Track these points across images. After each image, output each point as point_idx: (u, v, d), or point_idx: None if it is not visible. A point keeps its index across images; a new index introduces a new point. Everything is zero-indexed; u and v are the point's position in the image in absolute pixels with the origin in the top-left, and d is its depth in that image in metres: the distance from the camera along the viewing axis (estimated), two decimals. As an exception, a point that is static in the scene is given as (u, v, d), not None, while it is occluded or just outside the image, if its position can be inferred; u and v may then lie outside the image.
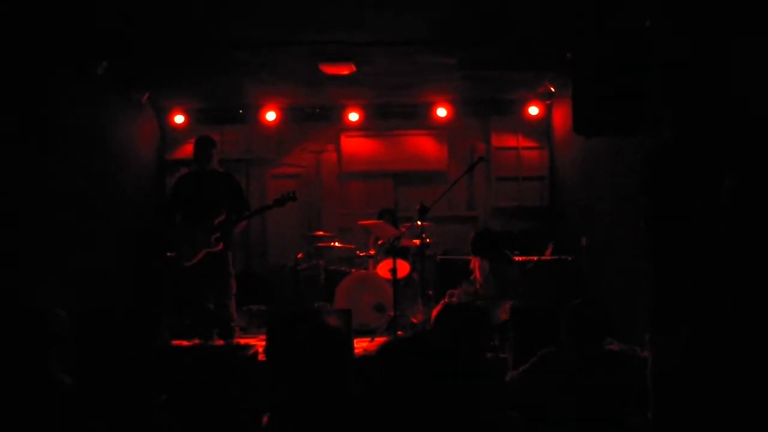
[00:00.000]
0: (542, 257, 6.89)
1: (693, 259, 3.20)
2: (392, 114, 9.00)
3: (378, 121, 9.02)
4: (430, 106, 8.76)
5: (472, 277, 6.30)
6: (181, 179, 6.50)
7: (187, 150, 7.22)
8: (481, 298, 6.02)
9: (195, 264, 6.04)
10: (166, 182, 8.75)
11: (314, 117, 9.06)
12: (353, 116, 8.85)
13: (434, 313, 5.57)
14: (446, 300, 6.07)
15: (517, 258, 6.66)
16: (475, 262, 6.28)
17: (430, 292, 7.43)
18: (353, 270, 7.59)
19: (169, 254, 6.21)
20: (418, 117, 8.96)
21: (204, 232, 6.04)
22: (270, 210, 6.56)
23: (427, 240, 7.00)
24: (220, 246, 6.06)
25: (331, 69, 6.75)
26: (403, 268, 7.25)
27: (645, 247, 3.43)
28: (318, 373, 2.87)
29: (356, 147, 9.18)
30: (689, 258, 3.21)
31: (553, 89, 7.89)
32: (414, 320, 7.02)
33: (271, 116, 8.80)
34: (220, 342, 6.06)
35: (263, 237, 9.14)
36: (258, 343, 5.98)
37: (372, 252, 7.72)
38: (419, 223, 6.55)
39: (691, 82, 3.54)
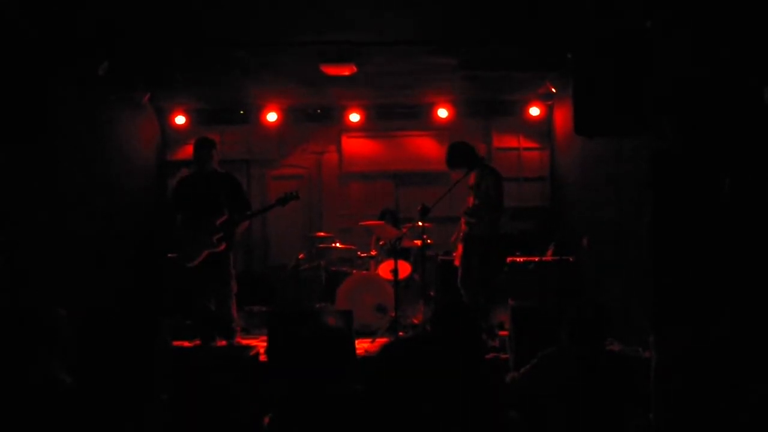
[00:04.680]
0: (543, 258, 6.87)
1: (694, 260, 3.20)
2: (393, 114, 9.00)
3: (379, 121, 9.02)
4: (431, 107, 8.75)
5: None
6: (181, 181, 6.51)
7: (188, 151, 7.22)
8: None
9: (196, 265, 6.04)
10: (167, 183, 8.75)
11: (315, 118, 9.06)
12: (354, 117, 8.85)
13: None
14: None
15: (518, 258, 6.65)
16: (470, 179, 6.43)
17: (432, 293, 7.42)
18: (354, 271, 7.58)
19: (170, 255, 6.22)
20: (419, 117, 8.97)
21: (205, 232, 6.04)
22: (272, 210, 6.56)
23: (429, 241, 6.99)
24: (222, 246, 6.06)
25: (331, 69, 6.73)
26: (405, 268, 7.25)
27: (646, 247, 3.43)
28: (319, 374, 2.86)
29: (357, 147, 9.19)
30: (690, 258, 3.21)
31: (554, 90, 7.87)
32: (415, 321, 7.01)
33: (271, 117, 8.80)
34: (222, 343, 6.06)
35: (264, 238, 9.14)
36: (259, 343, 6.00)
37: (373, 253, 7.72)
38: (420, 223, 6.55)
39: (693, 83, 3.54)
